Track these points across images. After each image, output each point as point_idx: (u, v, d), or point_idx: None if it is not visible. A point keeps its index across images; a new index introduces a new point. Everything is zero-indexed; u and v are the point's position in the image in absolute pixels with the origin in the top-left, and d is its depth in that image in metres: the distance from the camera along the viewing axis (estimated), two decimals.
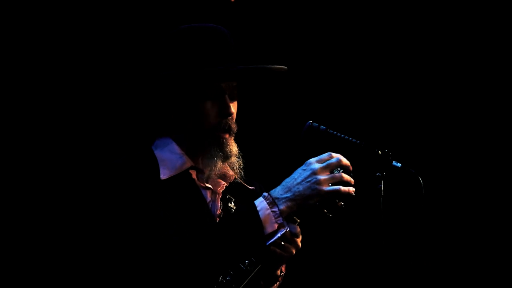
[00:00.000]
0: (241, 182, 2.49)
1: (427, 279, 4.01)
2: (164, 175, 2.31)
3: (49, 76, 3.48)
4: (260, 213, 2.17)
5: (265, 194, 2.21)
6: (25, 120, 3.43)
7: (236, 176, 2.45)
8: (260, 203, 2.19)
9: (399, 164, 2.21)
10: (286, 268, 2.39)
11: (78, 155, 3.47)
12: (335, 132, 2.26)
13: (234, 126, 2.38)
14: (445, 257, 4.06)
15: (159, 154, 2.36)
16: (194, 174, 2.39)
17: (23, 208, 3.39)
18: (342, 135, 2.26)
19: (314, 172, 2.19)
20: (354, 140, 2.25)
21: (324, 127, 2.27)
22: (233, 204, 2.43)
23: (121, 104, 3.45)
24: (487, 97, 4.06)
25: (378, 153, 2.22)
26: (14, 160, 3.40)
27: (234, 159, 2.38)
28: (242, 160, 2.42)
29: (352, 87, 4.16)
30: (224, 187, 2.43)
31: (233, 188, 2.47)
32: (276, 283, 2.37)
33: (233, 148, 2.38)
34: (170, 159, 2.35)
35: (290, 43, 4.05)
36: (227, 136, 2.36)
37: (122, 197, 2.22)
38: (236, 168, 2.41)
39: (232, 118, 2.38)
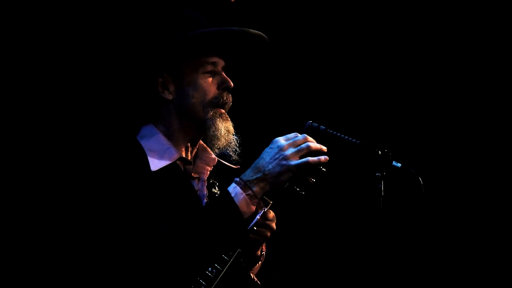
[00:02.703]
0: (224, 163, 2.51)
1: (427, 279, 4.01)
2: (154, 167, 2.33)
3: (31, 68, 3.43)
4: (235, 199, 2.19)
5: (237, 179, 2.23)
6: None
7: (218, 158, 2.48)
8: (234, 189, 2.20)
9: (399, 164, 2.21)
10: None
11: (62, 145, 3.42)
12: (335, 132, 2.26)
13: (231, 100, 2.43)
14: (445, 257, 4.06)
15: (146, 145, 2.38)
16: (181, 165, 2.41)
17: (9, 204, 3.36)
18: (342, 135, 2.26)
19: (281, 149, 2.20)
20: (354, 140, 2.25)
21: (324, 127, 2.27)
22: (217, 189, 2.45)
23: (102, 90, 3.39)
24: (487, 97, 4.06)
25: (378, 153, 2.22)
26: None
27: (231, 137, 2.42)
28: (238, 139, 2.45)
29: (352, 87, 4.16)
30: (209, 172, 2.45)
31: (217, 171, 2.49)
32: (258, 263, 2.40)
33: (231, 124, 2.43)
34: (158, 150, 2.37)
35: (291, 44, 4.05)
36: (224, 111, 2.41)
37: (114, 191, 2.23)
38: (233, 145, 2.43)
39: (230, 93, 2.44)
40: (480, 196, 4.05)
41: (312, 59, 4.10)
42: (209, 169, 2.46)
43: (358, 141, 2.25)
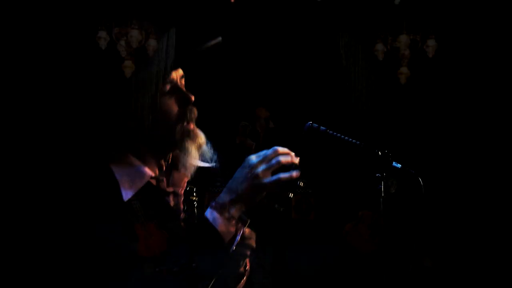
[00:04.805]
0: (201, 165, 2.39)
1: (427, 279, 4.01)
2: (126, 196, 2.23)
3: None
4: (213, 224, 2.15)
5: (212, 203, 2.19)
6: None
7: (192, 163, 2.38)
8: (211, 214, 2.17)
9: (399, 165, 2.22)
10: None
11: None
12: (335, 133, 2.26)
13: (195, 113, 2.31)
14: (445, 257, 4.06)
15: (117, 170, 2.26)
16: (155, 182, 2.33)
17: None
18: (342, 136, 2.26)
19: (252, 167, 2.16)
20: (354, 141, 2.25)
21: (324, 128, 2.27)
22: (194, 195, 2.34)
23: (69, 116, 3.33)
24: (487, 97, 4.07)
25: (378, 154, 2.22)
26: None
27: (204, 148, 2.34)
28: (212, 146, 2.37)
29: (352, 87, 4.16)
30: (186, 184, 2.37)
31: (194, 176, 2.39)
32: (243, 279, 2.35)
33: (202, 137, 2.33)
34: (128, 174, 2.26)
35: (291, 44, 4.05)
36: (192, 126, 2.30)
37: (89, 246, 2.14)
38: (207, 155, 2.36)
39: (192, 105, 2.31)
40: (480, 196, 4.06)
41: (313, 60, 4.11)
42: (186, 180, 2.38)
43: (358, 142, 2.25)
